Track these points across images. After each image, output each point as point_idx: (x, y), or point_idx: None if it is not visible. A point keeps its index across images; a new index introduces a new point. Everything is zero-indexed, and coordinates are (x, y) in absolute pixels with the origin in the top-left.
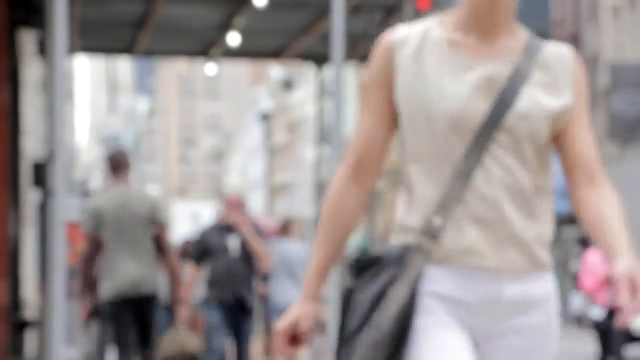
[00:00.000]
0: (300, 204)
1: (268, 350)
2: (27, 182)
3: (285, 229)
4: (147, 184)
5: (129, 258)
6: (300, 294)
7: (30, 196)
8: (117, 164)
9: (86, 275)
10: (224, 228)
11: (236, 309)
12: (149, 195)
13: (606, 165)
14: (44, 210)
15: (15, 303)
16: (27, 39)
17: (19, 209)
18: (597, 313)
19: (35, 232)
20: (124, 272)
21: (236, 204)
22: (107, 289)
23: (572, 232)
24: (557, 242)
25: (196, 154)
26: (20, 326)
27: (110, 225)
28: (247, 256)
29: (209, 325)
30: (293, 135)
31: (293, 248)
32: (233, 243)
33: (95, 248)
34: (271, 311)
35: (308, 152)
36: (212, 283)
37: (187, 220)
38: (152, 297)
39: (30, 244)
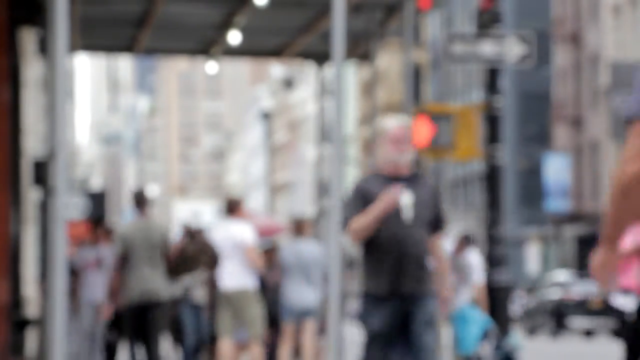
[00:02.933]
0: (301, 203)
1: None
2: (28, 180)
3: (298, 229)
4: (148, 182)
5: (143, 274)
6: None
7: (31, 195)
8: (141, 201)
9: (113, 284)
10: (390, 179)
11: (407, 304)
12: (162, 225)
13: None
14: (44, 208)
15: (16, 301)
16: (27, 38)
17: (19, 208)
18: (625, 301)
19: (36, 230)
20: (135, 284)
21: (405, 139)
22: (126, 297)
23: (572, 231)
24: (557, 240)
25: (197, 152)
26: (20, 325)
27: (134, 248)
28: (423, 221)
29: (366, 328)
30: (294, 134)
31: (307, 248)
32: (407, 200)
33: (121, 265)
34: (285, 313)
35: (309, 151)
36: (373, 262)
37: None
38: (156, 303)
39: (31, 242)
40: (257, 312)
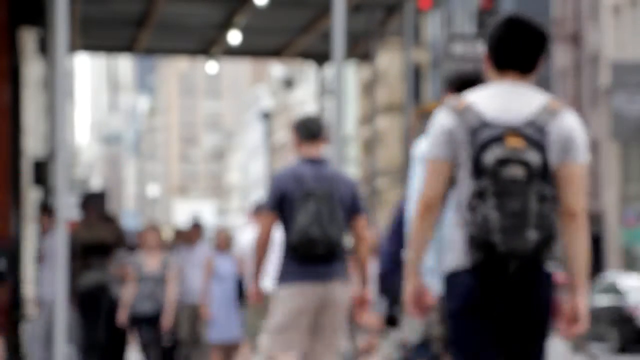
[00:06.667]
0: None
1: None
2: (28, 180)
3: None
4: (148, 182)
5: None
6: None
7: (31, 194)
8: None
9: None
10: None
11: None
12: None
13: (607, 165)
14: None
15: (16, 301)
16: (28, 38)
17: (20, 207)
18: None
19: (36, 230)
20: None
21: None
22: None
23: None
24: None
25: (197, 152)
26: (21, 325)
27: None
28: None
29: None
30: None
31: None
32: None
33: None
34: None
35: None
36: None
37: (187, 219)
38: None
39: (31, 242)
40: None
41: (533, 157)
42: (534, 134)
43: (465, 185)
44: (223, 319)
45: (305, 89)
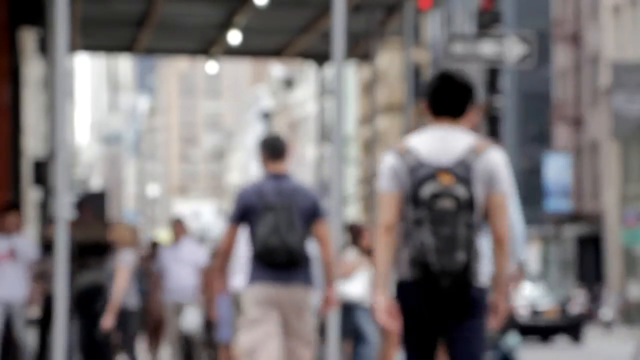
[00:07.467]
0: None
1: None
2: (28, 180)
3: None
4: (148, 182)
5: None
6: None
7: (31, 194)
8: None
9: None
10: None
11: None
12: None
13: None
14: (45, 208)
15: None
16: (28, 37)
17: (20, 207)
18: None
19: (36, 230)
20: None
21: None
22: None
23: (573, 231)
24: (557, 240)
25: (197, 152)
26: None
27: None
28: None
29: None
30: (294, 134)
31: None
32: None
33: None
34: None
35: (309, 151)
36: None
37: (187, 219)
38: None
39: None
40: None
41: (461, 191)
42: (462, 172)
43: (406, 214)
44: (231, 318)
45: (305, 89)
